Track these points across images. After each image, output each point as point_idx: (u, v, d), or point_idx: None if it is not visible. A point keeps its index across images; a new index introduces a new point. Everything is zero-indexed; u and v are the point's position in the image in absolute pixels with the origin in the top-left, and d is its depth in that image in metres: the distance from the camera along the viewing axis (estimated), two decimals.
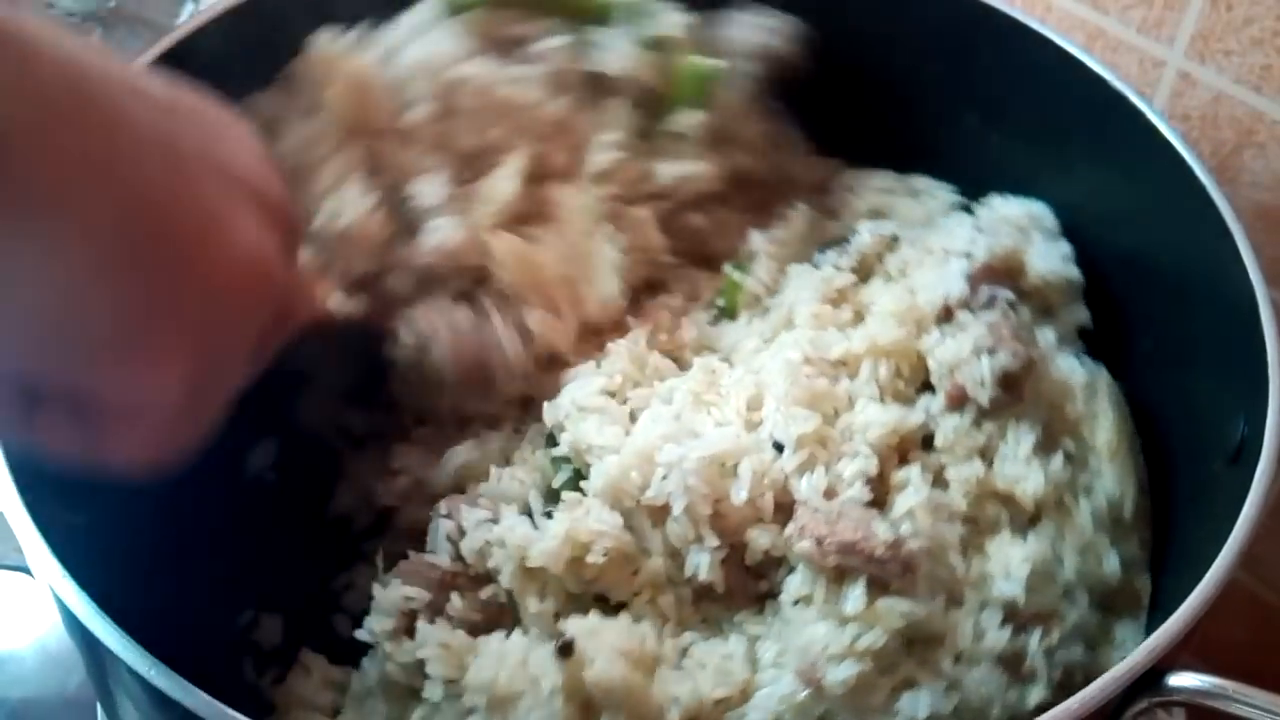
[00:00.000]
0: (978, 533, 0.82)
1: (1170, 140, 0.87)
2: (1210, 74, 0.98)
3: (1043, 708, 0.66)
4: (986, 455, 0.83)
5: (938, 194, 1.02)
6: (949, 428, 0.83)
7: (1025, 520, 0.82)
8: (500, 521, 0.82)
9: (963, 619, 0.76)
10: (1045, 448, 0.84)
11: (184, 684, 0.61)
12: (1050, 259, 0.92)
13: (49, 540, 0.66)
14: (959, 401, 0.84)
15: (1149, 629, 0.81)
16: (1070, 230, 0.99)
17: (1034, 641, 0.77)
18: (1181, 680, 0.64)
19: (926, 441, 0.84)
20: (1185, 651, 0.66)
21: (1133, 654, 0.64)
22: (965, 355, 0.84)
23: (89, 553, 0.67)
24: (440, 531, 0.84)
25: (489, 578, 0.81)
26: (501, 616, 0.82)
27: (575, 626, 0.76)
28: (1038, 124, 0.98)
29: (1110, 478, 0.84)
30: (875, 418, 0.82)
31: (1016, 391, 0.84)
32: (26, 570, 1.00)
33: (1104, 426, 0.85)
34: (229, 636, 0.91)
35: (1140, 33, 1.01)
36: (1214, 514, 0.76)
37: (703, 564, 0.78)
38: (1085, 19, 1.04)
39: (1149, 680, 0.64)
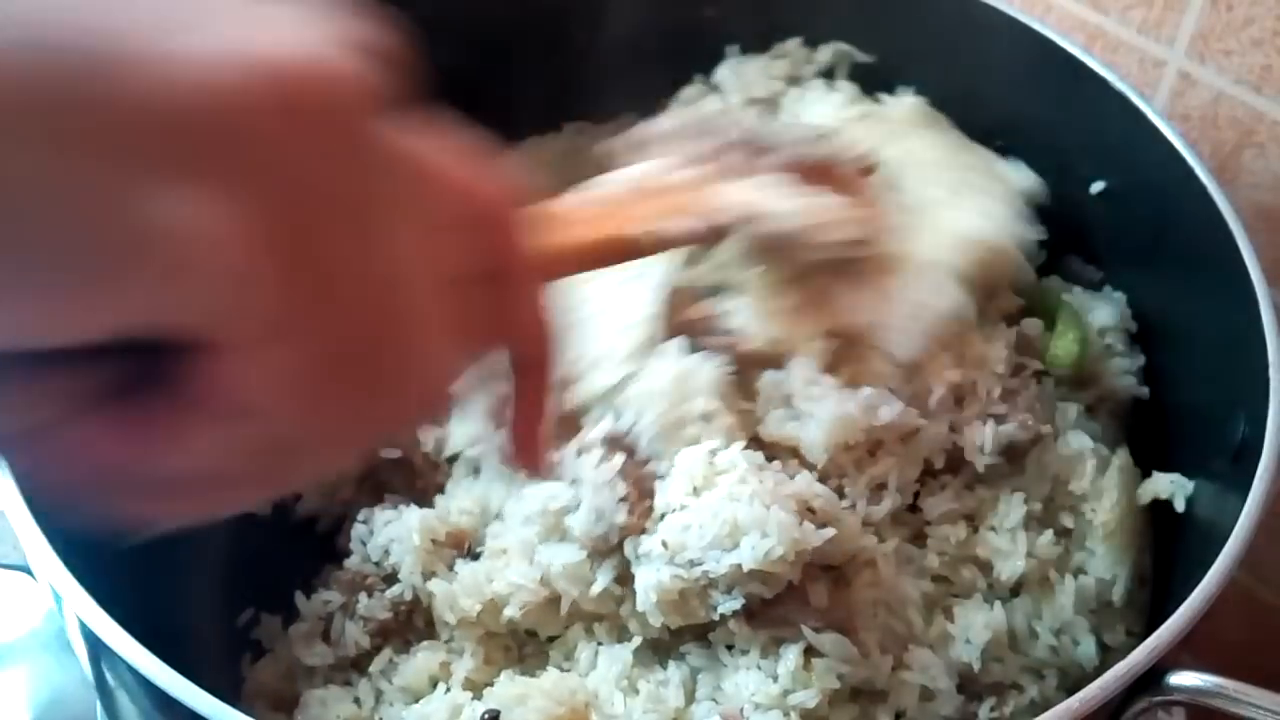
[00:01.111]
0: (949, 593, 0.80)
1: (1170, 140, 0.87)
2: (1210, 74, 0.98)
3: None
4: (973, 520, 0.82)
5: None
6: (938, 487, 0.82)
7: (1005, 590, 0.81)
8: (401, 518, 0.83)
9: (913, 677, 0.75)
10: (1041, 521, 0.82)
11: (185, 682, 0.61)
12: (1123, 372, 0.91)
13: (50, 539, 0.66)
14: (956, 463, 0.82)
15: (1149, 629, 0.81)
16: (1069, 226, 0.99)
17: (984, 711, 0.76)
18: (1182, 680, 0.64)
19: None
20: (1185, 651, 0.66)
21: (1133, 653, 0.64)
22: (971, 417, 0.82)
23: (90, 552, 0.67)
24: (355, 535, 0.85)
25: (396, 575, 0.83)
26: (413, 615, 0.83)
27: (500, 693, 0.76)
28: (1038, 123, 0.98)
29: (1104, 559, 0.82)
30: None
31: (1018, 463, 0.83)
32: (27, 570, 1.00)
33: (1105, 506, 0.82)
34: (229, 635, 0.91)
35: (1140, 33, 1.01)
36: (1214, 513, 0.76)
37: (634, 625, 0.77)
38: (1085, 19, 1.04)
39: (1149, 680, 0.64)
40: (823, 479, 0.77)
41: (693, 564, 0.72)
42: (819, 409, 0.77)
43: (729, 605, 0.73)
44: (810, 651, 0.73)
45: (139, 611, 0.74)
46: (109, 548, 0.74)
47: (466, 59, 0.98)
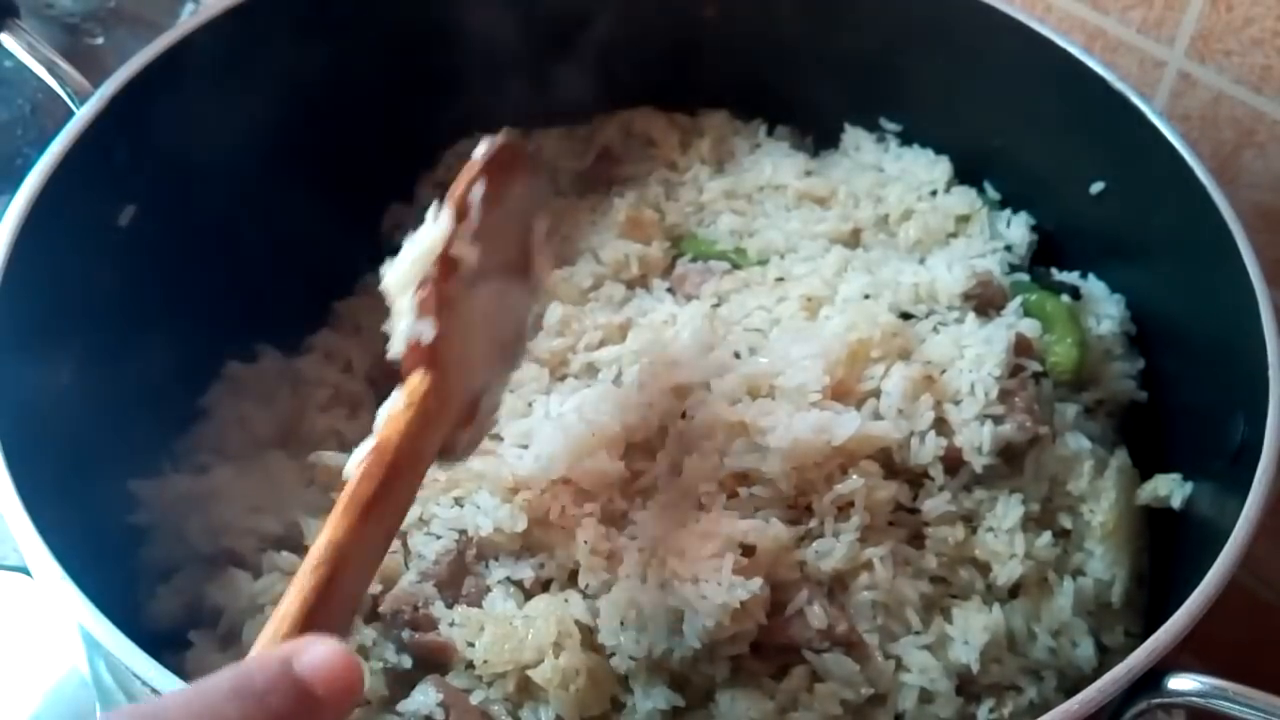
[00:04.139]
0: (948, 594, 0.80)
1: (1170, 140, 0.87)
2: (1210, 74, 0.98)
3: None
4: (971, 521, 0.82)
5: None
6: (935, 489, 0.81)
7: (1004, 591, 0.81)
8: None
9: (912, 679, 0.75)
10: (1039, 522, 0.82)
11: (180, 683, 0.61)
12: (1122, 375, 0.91)
13: (48, 541, 0.66)
14: (953, 465, 0.81)
15: (1148, 630, 0.81)
16: (1068, 228, 0.99)
17: (983, 713, 0.76)
18: (1180, 683, 0.63)
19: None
20: (1185, 652, 0.66)
21: (1132, 655, 0.64)
22: (968, 419, 0.81)
23: (88, 554, 0.67)
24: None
25: None
26: None
27: None
28: (1038, 123, 0.98)
29: (1102, 560, 0.82)
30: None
31: (1015, 464, 0.83)
32: (26, 571, 1.00)
33: (1104, 506, 0.82)
34: None
35: (1140, 33, 1.01)
36: (1214, 514, 0.76)
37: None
38: (1085, 19, 1.04)
39: (1148, 681, 0.63)
40: (795, 497, 0.78)
41: (667, 651, 0.72)
42: (773, 439, 0.77)
43: (721, 672, 0.73)
44: (814, 674, 0.73)
45: (138, 612, 0.74)
46: (108, 550, 0.74)
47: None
